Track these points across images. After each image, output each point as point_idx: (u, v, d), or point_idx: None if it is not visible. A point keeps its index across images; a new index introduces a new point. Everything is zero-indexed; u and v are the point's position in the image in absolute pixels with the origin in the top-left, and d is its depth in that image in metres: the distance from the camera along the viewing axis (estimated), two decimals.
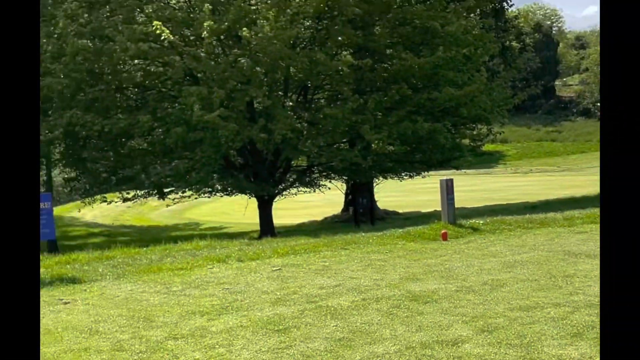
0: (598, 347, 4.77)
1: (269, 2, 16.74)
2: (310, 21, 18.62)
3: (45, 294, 7.38)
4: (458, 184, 13.18)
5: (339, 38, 18.50)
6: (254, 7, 16.55)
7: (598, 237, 9.49)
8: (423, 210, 22.48)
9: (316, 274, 7.84)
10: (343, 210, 24.72)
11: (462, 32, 18.30)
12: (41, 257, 10.05)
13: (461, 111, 18.47)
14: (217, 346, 5.29)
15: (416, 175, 22.44)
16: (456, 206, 12.03)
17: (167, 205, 26.33)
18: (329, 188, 22.85)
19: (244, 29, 16.26)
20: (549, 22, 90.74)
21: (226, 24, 16.66)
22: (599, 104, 73.82)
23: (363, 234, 11.33)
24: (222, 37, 17.99)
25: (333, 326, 5.67)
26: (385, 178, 21.80)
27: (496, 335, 5.19)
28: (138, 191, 20.75)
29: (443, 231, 10.45)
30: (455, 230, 10.91)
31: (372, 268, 8.05)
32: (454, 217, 11.60)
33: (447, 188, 11.55)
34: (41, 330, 5.88)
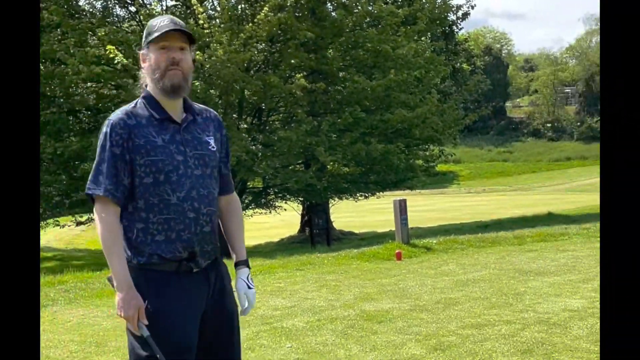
0: None
1: (222, 26, 16.81)
2: (263, 45, 18.74)
3: None
4: (413, 204, 13.37)
5: (292, 61, 18.68)
6: (207, 31, 16.60)
7: (547, 255, 9.71)
8: (379, 231, 22.66)
9: (271, 295, 7.86)
10: (299, 231, 24.80)
11: (413, 55, 18.61)
12: None
13: (413, 132, 18.77)
14: None
15: (371, 196, 22.63)
16: (410, 226, 12.17)
17: None
18: (285, 209, 22.91)
19: (197, 52, 16.31)
20: (498, 45, 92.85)
21: None
22: (548, 125, 75.56)
23: (318, 254, 11.37)
24: None
25: (288, 347, 5.68)
26: (341, 199, 21.97)
27: (449, 354, 5.26)
28: (91, 214, 20.51)
29: (397, 251, 10.56)
30: (409, 250, 11.03)
31: (327, 288, 8.09)
32: (407, 237, 11.73)
33: (400, 208, 11.68)
34: None
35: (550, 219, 17.05)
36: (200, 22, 16.72)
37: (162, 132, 2.94)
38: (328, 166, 19.38)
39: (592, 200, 34.70)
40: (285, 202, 22.20)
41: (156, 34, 2.91)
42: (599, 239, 10.88)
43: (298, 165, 20.62)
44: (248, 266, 3.19)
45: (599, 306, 6.42)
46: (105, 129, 2.91)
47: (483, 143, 73.15)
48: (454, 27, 33.78)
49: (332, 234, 22.06)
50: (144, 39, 3.00)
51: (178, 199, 2.90)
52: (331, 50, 19.92)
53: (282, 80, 17.54)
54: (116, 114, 2.94)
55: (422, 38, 22.38)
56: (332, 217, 23.89)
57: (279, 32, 17.85)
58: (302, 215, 24.44)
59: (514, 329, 5.84)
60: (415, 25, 19.93)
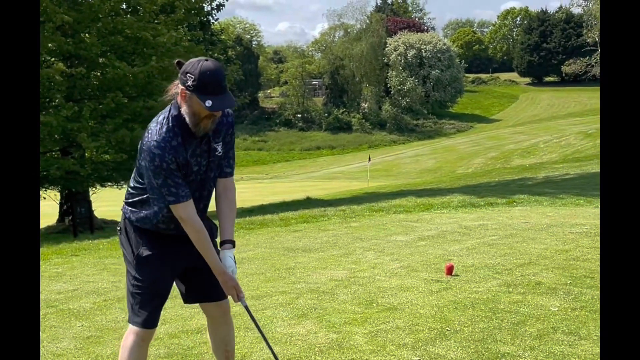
0: (321, 324, 5.57)
1: None
2: None
3: None
4: None
5: (49, 45, 17.99)
6: None
7: (311, 234, 10.58)
8: None
9: (51, 280, 7.78)
10: (58, 221, 23.75)
11: (173, 43, 18.81)
12: None
13: None
14: None
15: None
16: None
17: None
18: (44, 198, 21.91)
19: None
20: (248, 36, 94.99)
21: None
22: (299, 115, 79.03)
23: (90, 241, 11.29)
24: None
25: (79, 326, 5.81)
26: (104, 187, 21.50)
27: (235, 322, 5.74)
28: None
29: None
30: None
31: (108, 272, 8.19)
32: None
33: None
34: None
35: (309, 203, 18.22)
36: None
37: (188, 148, 3.56)
38: (87, 153, 18.99)
39: (342, 186, 37.27)
40: (45, 191, 21.25)
41: (208, 104, 3.39)
42: (354, 219, 12.02)
43: (55, 152, 19.88)
44: (233, 245, 3.79)
45: (359, 275, 7.30)
46: (157, 151, 3.47)
47: (238, 132, 74.65)
48: (210, 18, 34.19)
49: (95, 223, 21.50)
50: (193, 82, 3.41)
51: None
52: (89, 35, 19.47)
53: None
54: (162, 138, 3.50)
55: (180, 27, 22.60)
56: (94, 206, 23.25)
57: None
58: (61, 205, 23.46)
59: (290, 297, 6.48)
60: (174, 14, 20.15)
